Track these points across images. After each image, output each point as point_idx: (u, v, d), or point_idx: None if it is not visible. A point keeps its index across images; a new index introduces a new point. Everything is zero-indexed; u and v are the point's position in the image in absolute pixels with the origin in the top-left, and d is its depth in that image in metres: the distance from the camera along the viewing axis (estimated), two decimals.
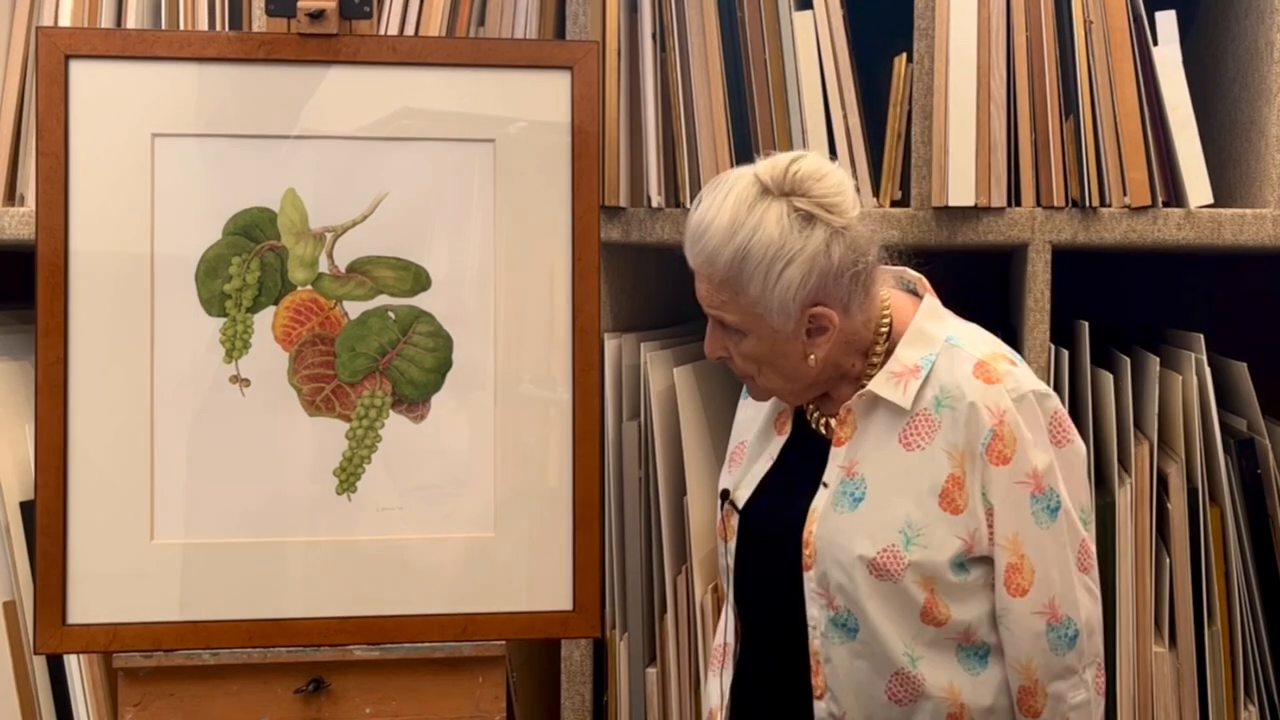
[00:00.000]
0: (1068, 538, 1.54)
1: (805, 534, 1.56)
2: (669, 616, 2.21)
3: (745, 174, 1.52)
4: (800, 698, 1.60)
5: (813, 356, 1.54)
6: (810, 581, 1.55)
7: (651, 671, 2.24)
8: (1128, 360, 2.19)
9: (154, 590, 1.82)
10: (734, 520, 1.64)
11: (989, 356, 1.55)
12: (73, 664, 2.18)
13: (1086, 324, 2.17)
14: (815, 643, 1.56)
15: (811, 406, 1.64)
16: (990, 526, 1.52)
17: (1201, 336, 2.16)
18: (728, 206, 1.48)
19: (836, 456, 1.58)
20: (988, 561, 1.54)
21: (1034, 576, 1.53)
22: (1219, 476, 2.13)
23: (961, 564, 1.53)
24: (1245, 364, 2.19)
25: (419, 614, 1.86)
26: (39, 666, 2.18)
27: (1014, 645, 1.54)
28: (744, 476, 1.68)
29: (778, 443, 1.66)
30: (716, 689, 1.74)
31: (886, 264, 1.62)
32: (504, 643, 1.87)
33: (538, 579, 1.89)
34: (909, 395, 1.54)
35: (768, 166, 1.51)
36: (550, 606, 1.89)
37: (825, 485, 1.57)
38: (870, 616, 1.52)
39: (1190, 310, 2.67)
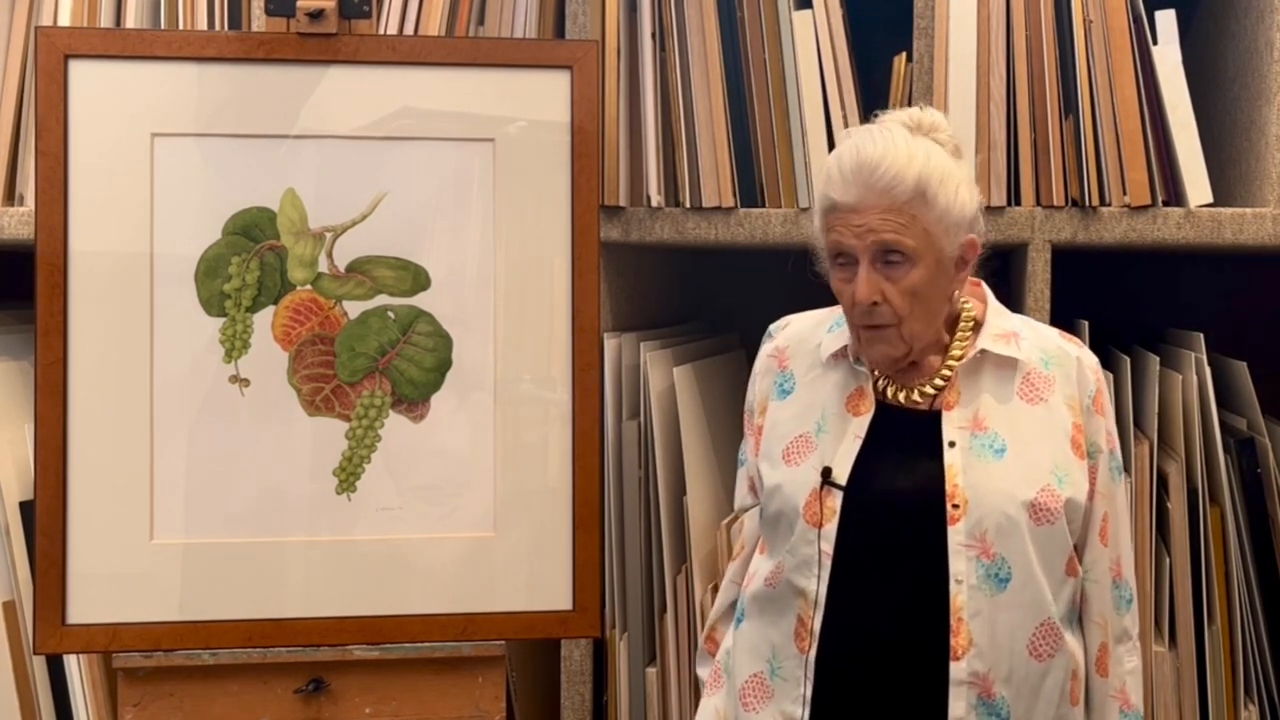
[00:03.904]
0: (1125, 500, 1.66)
1: (949, 489, 1.55)
2: (669, 616, 2.21)
3: (889, 118, 1.58)
4: (916, 673, 1.55)
5: (956, 292, 1.60)
6: (958, 535, 1.54)
7: (651, 671, 2.24)
8: (1128, 360, 2.19)
9: (153, 590, 1.83)
10: (834, 500, 1.59)
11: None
12: (73, 664, 2.18)
13: (1086, 324, 2.17)
14: (960, 599, 1.53)
15: (891, 383, 1.63)
16: (1092, 476, 1.61)
17: (1201, 336, 2.16)
18: (896, 139, 1.53)
19: (952, 419, 1.59)
20: None
21: (1111, 530, 1.63)
22: (1219, 476, 2.12)
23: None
24: (1245, 364, 2.19)
25: (419, 614, 1.86)
26: (39, 666, 2.18)
27: (1099, 597, 1.63)
28: (831, 459, 1.62)
29: (862, 421, 1.62)
30: (713, 712, 1.71)
31: None
32: (504, 643, 1.88)
33: (537, 579, 1.89)
34: (1021, 350, 1.62)
35: (899, 115, 1.58)
36: (550, 606, 1.89)
37: (951, 445, 1.57)
38: (1029, 561, 1.55)
39: (1190, 310, 2.66)
